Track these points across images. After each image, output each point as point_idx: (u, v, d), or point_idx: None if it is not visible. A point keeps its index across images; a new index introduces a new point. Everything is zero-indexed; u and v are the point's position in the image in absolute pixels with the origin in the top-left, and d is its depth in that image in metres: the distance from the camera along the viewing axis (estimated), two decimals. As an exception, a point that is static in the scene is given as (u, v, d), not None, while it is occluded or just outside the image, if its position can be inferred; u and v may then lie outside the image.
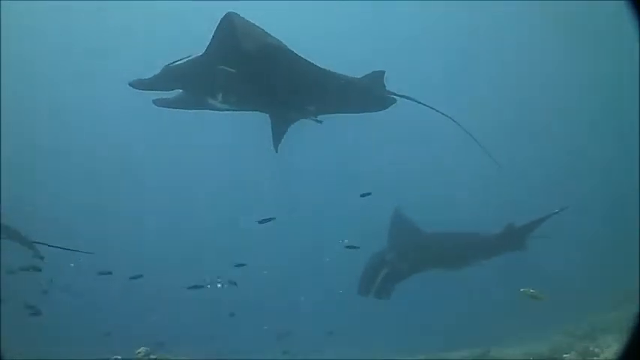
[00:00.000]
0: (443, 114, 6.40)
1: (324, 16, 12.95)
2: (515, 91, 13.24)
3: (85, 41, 10.77)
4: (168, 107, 5.90)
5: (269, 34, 5.39)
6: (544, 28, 11.77)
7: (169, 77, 5.63)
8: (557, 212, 7.65)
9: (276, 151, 6.19)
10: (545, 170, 12.68)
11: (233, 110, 5.89)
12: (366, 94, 6.10)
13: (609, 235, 11.39)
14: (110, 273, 8.05)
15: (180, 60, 5.60)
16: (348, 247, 8.34)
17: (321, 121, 5.88)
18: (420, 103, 6.27)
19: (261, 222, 7.82)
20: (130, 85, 5.67)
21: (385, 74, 6.13)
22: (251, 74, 5.49)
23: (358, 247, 8.27)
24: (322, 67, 5.59)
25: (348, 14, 13.04)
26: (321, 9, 12.94)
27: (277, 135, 6.15)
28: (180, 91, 5.83)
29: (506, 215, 8.25)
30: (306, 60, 5.51)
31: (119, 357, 6.31)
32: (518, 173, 11.49)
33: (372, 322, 10.49)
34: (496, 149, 6.83)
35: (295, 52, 5.44)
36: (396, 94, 6.16)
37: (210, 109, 5.91)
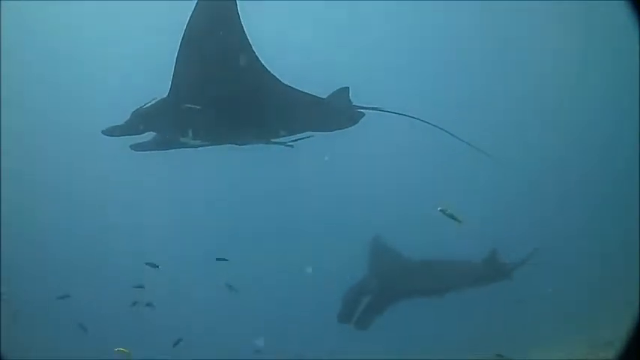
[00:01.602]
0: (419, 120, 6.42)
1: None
2: (510, 92, 13.09)
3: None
4: (145, 150, 5.99)
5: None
6: (543, 27, 11.88)
7: (139, 122, 5.71)
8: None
9: None
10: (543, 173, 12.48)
11: (207, 146, 6.04)
12: (335, 112, 6.19)
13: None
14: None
15: (147, 103, 5.71)
16: None
17: (292, 145, 6.01)
18: (392, 112, 6.32)
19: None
20: (103, 132, 5.76)
21: (350, 90, 6.33)
22: (219, 104, 5.61)
23: None
24: (287, 83, 5.65)
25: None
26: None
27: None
28: (154, 133, 5.96)
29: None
30: (275, 77, 5.59)
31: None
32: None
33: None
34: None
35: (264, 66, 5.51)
36: (364, 107, 6.21)
37: (185, 147, 6.03)
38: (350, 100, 6.36)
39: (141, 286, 8.37)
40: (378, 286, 8.17)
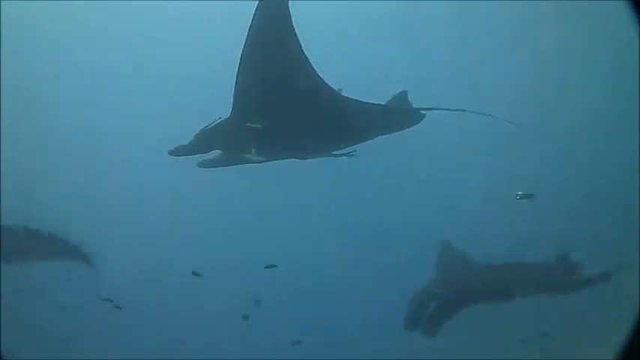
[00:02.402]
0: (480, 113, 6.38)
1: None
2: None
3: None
4: (212, 167, 6.17)
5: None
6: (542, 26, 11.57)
7: (205, 141, 5.92)
8: None
9: None
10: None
11: (270, 161, 6.17)
12: (396, 116, 6.27)
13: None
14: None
15: (212, 123, 5.92)
16: None
17: (354, 155, 6.09)
18: (450, 110, 6.31)
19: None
20: (170, 153, 6.02)
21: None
22: (281, 120, 5.74)
23: None
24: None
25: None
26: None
27: None
28: (219, 151, 6.13)
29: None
30: (333, 89, 5.70)
31: None
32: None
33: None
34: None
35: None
36: (423, 108, 6.26)
37: (248, 163, 6.17)
38: (409, 102, 6.51)
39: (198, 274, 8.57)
40: (447, 291, 8.07)
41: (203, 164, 6.12)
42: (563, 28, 11.39)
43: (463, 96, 9.12)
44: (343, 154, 6.08)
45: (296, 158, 6.21)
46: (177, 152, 6.04)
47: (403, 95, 6.53)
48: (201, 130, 5.98)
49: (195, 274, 8.66)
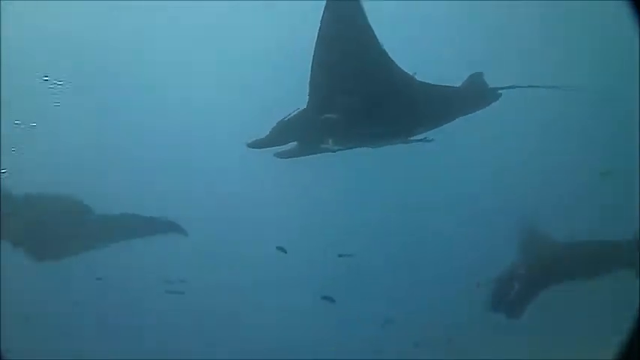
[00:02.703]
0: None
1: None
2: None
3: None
4: (289, 157, 6.27)
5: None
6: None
7: (282, 133, 6.05)
8: None
9: None
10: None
11: (347, 149, 6.22)
12: (471, 97, 6.21)
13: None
14: None
15: (289, 115, 6.04)
16: None
17: (432, 140, 6.06)
18: (528, 87, 6.34)
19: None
20: (249, 146, 6.17)
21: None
22: (358, 109, 5.77)
23: None
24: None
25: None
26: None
27: None
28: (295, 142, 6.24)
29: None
30: (408, 74, 5.69)
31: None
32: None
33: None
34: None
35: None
36: (500, 88, 6.23)
37: (325, 152, 6.24)
38: (485, 83, 6.35)
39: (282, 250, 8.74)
40: (530, 272, 7.92)
41: (280, 155, 6.24)
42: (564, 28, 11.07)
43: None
44: (420, 140, 6.09)
45: (372, 146, 6.26)
46: (255, 145, 6.19)
47: (478, 76, 6.36)
48: (279, 122, 6.11)
49: (280, 249, 8.89)
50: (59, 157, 9.60)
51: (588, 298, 8.78)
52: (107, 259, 8.55)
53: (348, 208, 10.55)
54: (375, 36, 5.55)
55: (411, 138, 6.11)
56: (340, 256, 9.29)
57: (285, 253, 8.79)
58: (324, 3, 5.39)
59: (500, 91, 6.22)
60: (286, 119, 6.06)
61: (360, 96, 5.70)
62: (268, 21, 9.67)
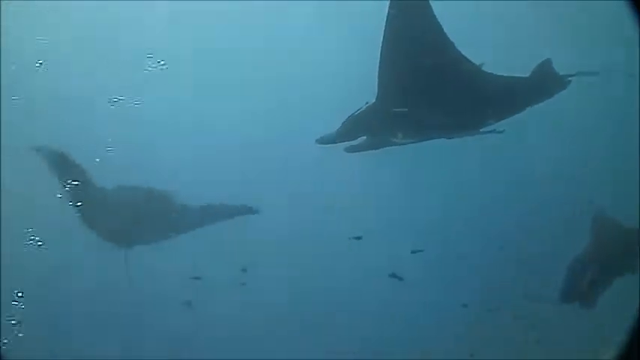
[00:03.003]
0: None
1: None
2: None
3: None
4: (359, 151, 6.40)
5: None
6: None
7: (353, 128, 6.15)
8: None
9: None
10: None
11: (417, 142, 6.31)
12: (541, 85, 6.17)
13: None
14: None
15: (359, 110, 6.14)
16: None
17: (502, 131, 6.07)
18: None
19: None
20: (318, 142, 6.31)
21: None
22: (428, 101, 5.86)
23: None
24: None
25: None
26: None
27: None
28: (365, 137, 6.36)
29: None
30: (476, 65, 5.75)
31: None
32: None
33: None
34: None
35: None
36: (570, 75, 6.18)
37: (395, 145, 6.35)
38: (554, 70, 6.26)
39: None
40: (603, 259, 7.79)
41: (350, 149, 6.37)
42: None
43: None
44: (490, 131, 6.11)
45: (442, 137, 6.32)
46: (325, 140, 6.33)
47: (547, 63, 6.29)
48: (348, 117, 6.22)
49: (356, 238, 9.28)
50: (146, 150, 10.02)
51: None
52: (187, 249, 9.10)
53: (418, 201, 10.59)
54: (441, 27, 5.63)
55: (481, 129, 6.15)
56: (413, 252, 9.49)
57: (360, 238, 9.12)
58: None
59: (569, 79, 6.17)
60: (356, 114, 6.14)
61: (429, 88, 5.78)
62: (335, 17, 9.80)
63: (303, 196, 10.30)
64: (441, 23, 5.66)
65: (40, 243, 8.10)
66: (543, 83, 6.17)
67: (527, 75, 6.26)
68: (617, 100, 9.66)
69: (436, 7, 5.62)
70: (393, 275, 9.43)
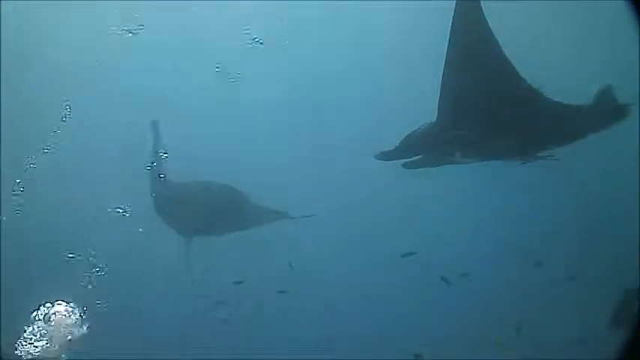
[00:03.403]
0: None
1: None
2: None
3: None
4: (417, 168, 6.52)
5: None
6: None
7: (412, 146, 6.32)
8: None
9: None
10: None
11: (474, 162, 6.44)
12: (602, 113, 6.13)
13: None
14: None
15: (420, 128, 6.29)
16: None
17: (558, 159, 6.14)
18: None
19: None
20: (377, 157, 6.51)
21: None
22: (488, 123, 5.99)
23: None
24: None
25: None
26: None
27: None
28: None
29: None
30: (538, 91, 5.82)
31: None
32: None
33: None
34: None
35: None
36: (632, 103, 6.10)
37: (453, 164, 6.49)
38: (615, 98, 6.20)
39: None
40: None
41: (409, 165, 6.51)
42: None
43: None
44: (548, 157, 6.16)
45: (501, 160, 6.42)
46: (383, 157, 6.52)
47: (608, 90, 6.23)
48: (408, 135, 6.38)
49: (407, 254, 9.66)
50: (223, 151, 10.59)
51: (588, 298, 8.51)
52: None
53: (474, 220, 10.73)
54: (503, 52, 5.74)
55: (538, 154, 6.22)
56: (403, 256, 9.76)
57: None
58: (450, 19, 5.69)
59: (630, 107, 6.08)
60: (416, 133, 6.30)
61: (490, 111, 5.89)
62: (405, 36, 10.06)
63: (358, 207, 10.60)
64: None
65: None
66: (605, 111, 6.14)
67: (589, 101, 6.29)
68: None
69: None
70: (444, 279, 9.65)
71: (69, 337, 7.47)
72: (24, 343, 7.32)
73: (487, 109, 5.93)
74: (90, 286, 8.76)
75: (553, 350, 9.42)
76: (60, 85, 10.02)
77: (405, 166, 6.53)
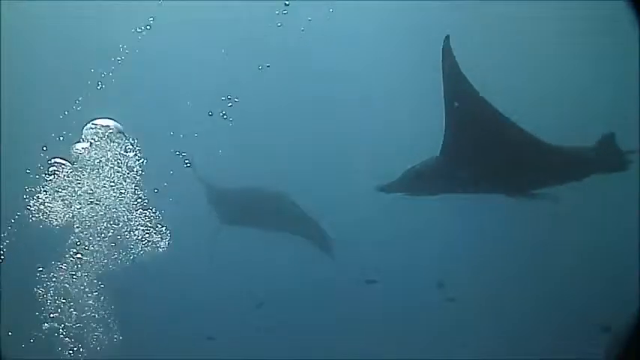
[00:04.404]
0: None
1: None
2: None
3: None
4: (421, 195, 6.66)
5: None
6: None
7: (412, 182, 6.40)
8: None
9: None
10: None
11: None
12: (601, 160, 6.18)
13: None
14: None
15: (420, 163, 6.40)
16: None
17: (557, 200, 6.19)
18: None
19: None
20: (378, 189, 6.59)
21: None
22: (488, 164, 6.10)
23: None
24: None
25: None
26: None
27: None
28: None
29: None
30: (534, 136, 5.90)
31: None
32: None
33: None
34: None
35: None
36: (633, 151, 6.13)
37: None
38: (617, 146, 6.25)
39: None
40: None
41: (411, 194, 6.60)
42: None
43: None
44: (547, 197, 6.27)
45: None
46: (386, 189, 6.57)
47: (610, 138, 6.24)
48: (409, 169, 6.46)
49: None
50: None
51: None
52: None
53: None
54: (491, 105, 5.81)
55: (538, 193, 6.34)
56: (367, 282, 10.48)
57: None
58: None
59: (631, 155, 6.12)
60: (417, 167, 6.41)
61: (491, 153, 6.01)
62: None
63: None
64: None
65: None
66: (605, 156, 6.18)
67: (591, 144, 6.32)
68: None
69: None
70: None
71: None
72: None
73: (488, 151, 6.02)
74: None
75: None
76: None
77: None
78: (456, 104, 5.75)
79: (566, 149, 6.16)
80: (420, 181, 6.38)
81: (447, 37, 5.59)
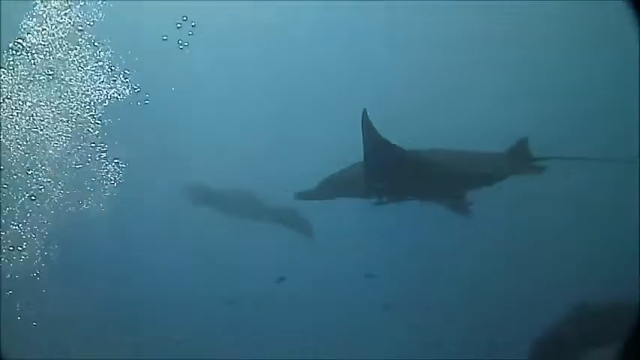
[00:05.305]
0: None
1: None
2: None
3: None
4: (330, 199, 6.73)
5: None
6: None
7: (331, 189, 6.55)
8: None
9: None
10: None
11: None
12: (514, 165, 6.31)
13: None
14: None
15: (337, 173, 6.54)
16: None
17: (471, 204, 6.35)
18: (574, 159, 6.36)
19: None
20: (296, 197, 6.74)
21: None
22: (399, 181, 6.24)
23: None
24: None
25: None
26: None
27: None
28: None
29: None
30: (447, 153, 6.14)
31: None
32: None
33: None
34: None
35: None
36: (544, 158, 6.26)
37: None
38: (529, 151, 6.37)
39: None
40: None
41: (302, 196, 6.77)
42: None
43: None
44: (464, 202, 6.36)
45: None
46: (303, 196, 6.76)
47: (524, 143, 6.37)
48: (330, 176, 6.63)
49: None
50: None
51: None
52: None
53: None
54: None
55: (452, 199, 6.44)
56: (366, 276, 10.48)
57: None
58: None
59: (543, 163, 6.26)
60: (337, 174, 6.55)
61: (404, 171, 6.14)
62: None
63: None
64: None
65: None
66: (517, 163, 6.30)
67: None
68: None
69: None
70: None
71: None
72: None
73: (402, 170, 6.18)
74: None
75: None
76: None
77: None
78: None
79: (475, 157, 6.29)
80: (340, 185, 6.53)
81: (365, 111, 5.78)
